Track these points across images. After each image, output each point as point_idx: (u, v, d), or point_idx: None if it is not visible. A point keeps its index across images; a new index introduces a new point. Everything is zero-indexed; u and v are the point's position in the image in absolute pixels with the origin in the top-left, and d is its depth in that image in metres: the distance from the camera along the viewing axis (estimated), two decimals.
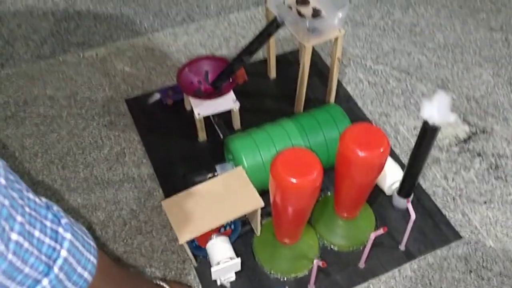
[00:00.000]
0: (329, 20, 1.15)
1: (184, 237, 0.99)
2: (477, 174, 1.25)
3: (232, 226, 1.10)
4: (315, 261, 0.96)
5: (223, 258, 1.01)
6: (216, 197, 1.05)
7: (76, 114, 1.34)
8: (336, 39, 1.19)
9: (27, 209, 0.54)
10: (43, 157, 1.25)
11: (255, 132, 1.16)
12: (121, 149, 1.28)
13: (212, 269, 1.00)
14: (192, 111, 1.22)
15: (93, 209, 1.16)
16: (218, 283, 1.05)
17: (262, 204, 1.03)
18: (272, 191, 0.93)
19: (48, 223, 0.57)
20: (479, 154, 1.29)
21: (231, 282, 1.06)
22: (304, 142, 1.14)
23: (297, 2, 1.21)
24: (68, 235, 0.59)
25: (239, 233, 1.12)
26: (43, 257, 0.56)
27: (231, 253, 1.03)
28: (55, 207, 0.62)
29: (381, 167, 0.96)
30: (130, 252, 1.11)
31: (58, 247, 0.58)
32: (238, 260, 1.02)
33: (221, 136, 1.28)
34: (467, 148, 1.30)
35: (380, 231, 0.99)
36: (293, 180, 0.88)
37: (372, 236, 0.99)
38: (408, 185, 1.12)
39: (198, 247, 1.07)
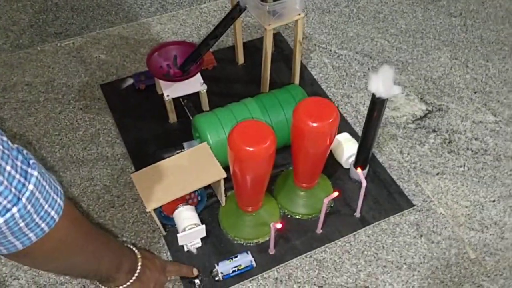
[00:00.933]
0: (289, 3, 1.23)
1: (151, 205, 1.06)
2: (431, 148, 1.33)
3: (199, 197, 1.18)
4: (271, 224, 1.04)
5: (189, 225, 1.09)
6: (182, 170, 1.12)
7: (53, 99, 1.41)
8: (296, 21, 1.27)
9: (0, 147, 0.61)
10: (21, 139, 1.32)
11: (219, 110, 1.23)
12: (96, 131, 1.35)
13: (179, 235, 1.07)
14: (163, 95, 1.30)
15: (68, 185, 1.24)
16: (185, 249, 1.12)
17: (224, 175, 1.11)
18: (231, 161, 1.01)
19: (18, 163, 0.64)
20: (434, 130, 1.37)
21: (197, 248, 1.13)
22: (265, 119, 1.22)
23: None
24: (35, 173, 0.66)
25: (206, 204, 1.20)
26: (13, 189, 0.63)
27: (197, 220, 1.10)
28: (25, 151, 0.68)
29: (332, 136, 1.04)
30: (103, 224, 1.18)
31: (26, 183, 0.65)
32: (203, 226, 1.09)
33: (190, 117, 1.35)
34: (423, 125, 1.38)
35: (333, 195, 1.06)
36: (249, 149, 0.96)
37: (326, 201, 1.07)
38: (363, 157, 1.19)
39: (166, 217, 1.14)
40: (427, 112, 1.41)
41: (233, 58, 1.51)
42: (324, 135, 1.03)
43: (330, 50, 1.56)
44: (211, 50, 1.48)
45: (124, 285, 0.97)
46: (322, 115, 1.01)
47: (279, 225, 1.03)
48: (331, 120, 1.01)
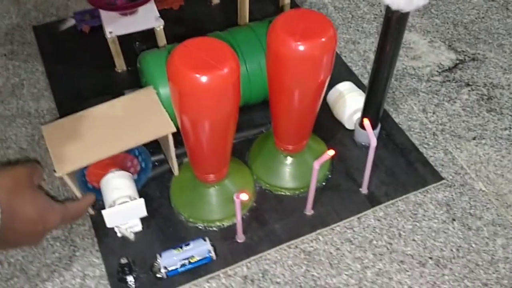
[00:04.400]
0: None
1: (63, 168, 0.74)
2: (465, 106, 0.99)
3: (142, 164, 0.85)
4: (235, 196, 0.70)
5: (119, 197, 0.76)
6: (115, 121, 0.80)
7: None
8: None
9: None
10: None
11: (173, 47, 0.90)
12: (20, 81, 1.03)
13: (104, 212, 0.74)
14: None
15: None
16: (119, 234, 0.79)
17: (173, 128, 0.78)
18: (175, 100, 0.68)
19: None
20: (468, 84, 1.03)
21: (136, 233, 0.80)
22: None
23: None
24: None
25: (154, 174, 0.87)
26: None
27: (132, 192, 0.77)
28: None
29: (327, 68, 0.70)
30: None
31: None
32: (141, 201, 0.76)
33: None
34: (453, 78, 1.04)
35: (327, 155, 0.72)
36: (198, 77, 0.63)
37: (316, 165, 0.73)
38: (373, 109, 0.86)
39: (94, 189, 0.81)
40: (457, 62, 1.07)
41: None
42: (314, 63, 0.69)
43: None
44: None
45: None
46: (311, 32, 0.67)
47: (244, 196, 0.69)
48: (323, 40, 0.67)
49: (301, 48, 0.66)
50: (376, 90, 0.82)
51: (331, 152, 0.72)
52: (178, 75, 0.64)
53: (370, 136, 0.77)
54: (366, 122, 0.78)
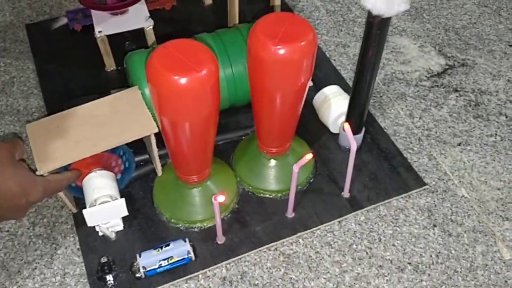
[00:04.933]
0: None
1: (45, 166, 0.74)
2: (452, 111, 0.99)
3: (126, 164, 0.85)
4: (213, 198, 0.71)
5: (100, 197, 0.76)
6: (99, 121, 0.80)
7: None
8: None
9: None
10: None
11: (166, 43, 0.91)
12: (10, 78, 1.03)
13: (85, 211, 0.75)
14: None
15: None
16: (100, 233, 0.80)
17: (155, 129, 0.78)
18: (154, 102, 0.69)
19: None
20: (456, 90, 1.03)
21: (117, 232, 0.81)
22: (222, 60, 0.89)
23: None
24: None
25: (138, 174, 0.87)
26: None
27: (113, 191, 0.78)
28: None
29: (305, 70, 0.71)
30: None
31: None
32: (122, 201, 0.76)
33: None
34: (441, 83, 1.04)
35: (306, 158, 0.73)
36: (176, 79, 0.63)
37: (295, 168, 0.74)
38: (356, 114, 0.86)
39: (78, 188, 0.82)
40: (446, 67, 1.07)
41: None
42: (295, 68, 0.70)
43: None
44: None
45: None
46: (290, 36, 0.68)
47: (221, 198, 0.70)
48: (303, 43, 0.67)
49: (280, 52, 0.67)
50: (359, 95, 0.82)
51: (309, 156, 0.72)
52: (156, 76, 0.65)
53: (350, 140, 0.77)
54: (347, 126, 0.78)
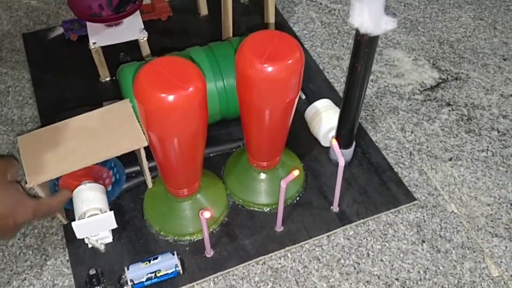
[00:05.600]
0: None
1: (34, 179, 0.75)
2: (444, 126, 0.99)
3: (117, 176, 0.86)
4: (200, 213, 0.71)
5: (89, 209, 0.77)
6: (89, 133, 0.81)
7: None
8: None
9: None
10: None
11: (153, 60, 0.91)
12: (5, 88, 1.04)
13: (74, 224, 0.76)
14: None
15: None
16: (89, 245, 0.80)
17: (145, 143, 0.79)
18: (142, 118, 0.69)
19: None
20: (448, 104, 1.03)
21: (106, 244, 0.81)
22: (215, 74, 0.89)
23: None
24: None
25: (128, 186, 0.88)
26: None
27: (102, 204, 0.78)
28: None
29: (292, 87, 0.71)
30: None
31: None
32: (110, 213, 0.77)
33: None
34: (434, 97, 1.04)
35: (292, 175, 0.73)
36: (163, 96, 0.64)
37: (283, 183, 0.74)
38: (346, 128, 0.86)
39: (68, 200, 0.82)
40: (440, 81, 1.07)
41: (194, 8, 1.19)
42: (282, 85, 0.70)
43: (321, 4, 1.23)
44: None
45: None
46: (277, 55, 0.68)
47: (207, 214, 0.70)
48: (290, 62, 0.68)
49: (267, 70, 0.67)
50: (349, 110, 0.83)
51: (296, 173, 0.73)
52: (143, 94, 0.65)
53: (338, 156, 0.77)
54: (334, 143, 0.79)
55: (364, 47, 0.73)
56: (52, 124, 0.82)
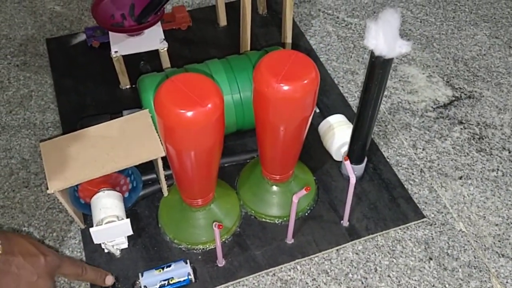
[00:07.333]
0: None
1: (55, 185, 0.78)
2: (455, 144, 1.01)
3: (134, 184, 0.89)
4: (214, 225, 0.74)
5: (107, 217, 0.80)
6: (109, 142, 0.83)
7: None
8: None
9: None
10: None
11: (172, 71, 0.94)
12: (29, 92, 1.08)
13: (92, 230, 0.79)
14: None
15: None
16: (105, 249, 0.83)
17: (162, 153, 0.81)
18: (161, 132, 0.72)
19: None
20: (461, 122, 1.04)
21: (122, 250, 0.84)
22: (231, 85, 0.92)
23: None
24: None
25: (145, 193, 0.91)
26: None
27: (120, 211, 0.81)
28: None
29: (307, 106, 0.73)
30: (9, 208, 0.90)
31: None
32: (127, 221, 0.80)
33: None
34: (446, 114, 1.06)
35: (303, 191, 0.75)
36: (182, 112, 0.66)
37: (295, 198, 0.76)
38: (358, 145, 0.88)
39: (86, 204, 0.85)
40: (453, 99, 1.09)
41: (213, 18, 1.22)
42: (297, 104, 0.72)
43: (338, 17, 1.25)
44: (187, 8, 1.20)
45: None
46: (293, 74, 0.70)
47: (218, 226, 0.73)
48: (305, 82, 0.70)
49: (283, 89, 0.69)
50: (361, 128, 0.85)
51: (308, 190, 0.75)
52: (163, 110, 0.68)
53: (349, 174, 0.79)
54: (347, 161, 0.81)
55: (378, 69, 0.75)
56: (73, 132, 0.85)
